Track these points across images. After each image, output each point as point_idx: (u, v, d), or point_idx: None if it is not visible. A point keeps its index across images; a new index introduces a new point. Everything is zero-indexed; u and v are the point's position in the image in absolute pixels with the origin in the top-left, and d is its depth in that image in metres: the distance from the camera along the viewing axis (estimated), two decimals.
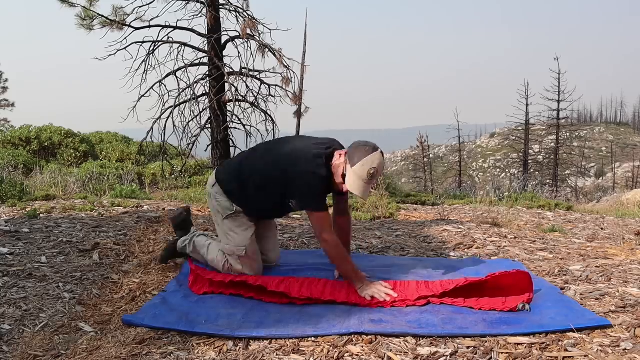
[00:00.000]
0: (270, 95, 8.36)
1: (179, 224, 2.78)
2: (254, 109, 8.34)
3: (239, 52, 8.17)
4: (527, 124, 26.41)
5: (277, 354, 1.73)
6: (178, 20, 8.03)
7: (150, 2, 7.89)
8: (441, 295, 2.15)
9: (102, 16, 7.80)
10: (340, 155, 2.22)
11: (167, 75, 7.99)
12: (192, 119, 8.10)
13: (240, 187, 2.41)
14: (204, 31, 8.08)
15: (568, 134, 27.79)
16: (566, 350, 1.69)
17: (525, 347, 1.72)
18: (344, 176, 2.19)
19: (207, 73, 8.14)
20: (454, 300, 2.12)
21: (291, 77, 8.27)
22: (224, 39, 8.14)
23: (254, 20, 7.99)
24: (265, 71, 8.18)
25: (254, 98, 8.25)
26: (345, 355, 1.71)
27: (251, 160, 2.46)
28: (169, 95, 8.07)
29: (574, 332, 1.79)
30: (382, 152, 2.21)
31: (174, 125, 8.07)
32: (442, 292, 2.15)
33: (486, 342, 1.76)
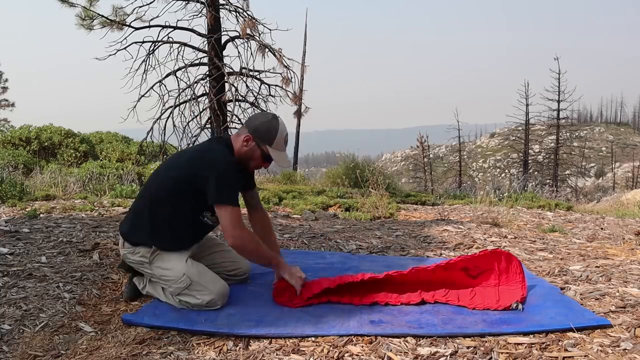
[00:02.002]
0: (270, 95, 8.37)
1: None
2: (254, 109, 8.34)
3: (239, 52, 8.18)
4: (527, 124, 26.42)
5: (277, 354, 1.73)
6: (178, 20, 8.05)
7: (150, 2, 7.90)
8: (434, 269, 2.17)
9: (102, 16, 7.81)
10: (247, 140, 2.15)
11: (167, 75, 8.00)
12: (192, 119, 8.11)
13: (149, 226, 2.17)
14: (204, 31, 8.09)
15: (568, 134, 27.81)
16: (566, 350, 1.69)
17: (525, 347, 1.72)
18: (259, 158, 2.18)
19: (207, 73, 8.14)
20: (447, 298, 2.13)
21: (291, 77, 8.28)
22: (224, 39, 8.14)
23: (254, 20, 7.99)
24: (265, 71, 8.19)
25: (254, 98, 8.25)
26: (345, 355, 1.71)
27: (150, 191, 2.22)
28: (169, 95, 8.08)
29: (574, 332, 1.79)
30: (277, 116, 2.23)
31: (174, 125, 8.07)
32: (434, 267, 2.18)
33: (486, 342, 1.76)
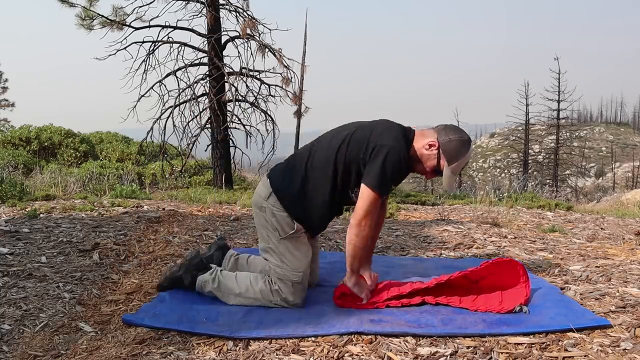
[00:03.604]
0: (270, 95, 8.38)
1: (194, 265, 2.32)
2: (254, 109, 8.34)
3: (239, 52, 8.19)
4: (527, 124, 26.41)
5: (277, 354, 1.73)
6: (178, 20, 8.05)
7: (150, 2, 7.90)
8: (435, 287, 2.15)
9: (102, 16, 7.82)
10: (431, 146, 2.05)
11: (167, 75, 8.00)
12: (192, 119, 8.11)
13: (306, 192, 2.11)
14: (204, 31, 8.09)
15: (568, 134, 27.80)
16: (566, 350, 1.69)
17: (525, 347, 1.72)
18: (430, 167, 2.08)
19: (207, 73, 8.15)
20: (449, 299, 2.12)
21: (291, 77, 8.29)
22: (224, 39, 8.15)
23: (254, 20, 8.00)
24: (265, 71, 8.19)
25: (254, 98, 8.26)
26: (345, 355, 1.71)
27: (322, 153, 2.12)
28: (169, 95, 8.09)
29: (573, 332, 1.80)
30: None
31: (174, 125, 8.08)
32: (436, 283, 2.16)
33: (486, 342, 1.76)
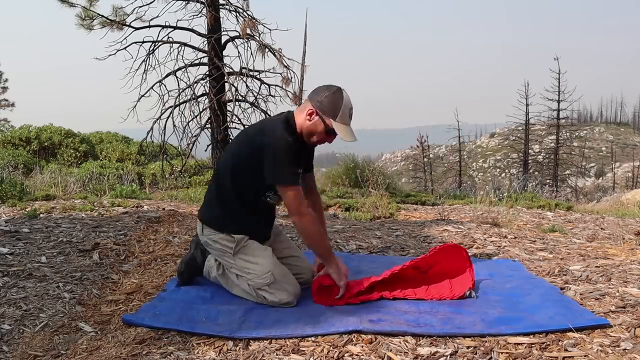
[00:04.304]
0: (270, 95, 8.37)
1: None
2: (254, 109, 8.34)
3: (239, 52, 8.17)
4: (527, 124, 26.41)
5: (277, 354, 1.73)
6: (178, 20, 8.04)
7: (150, 2, 7.90)
8: (391, 279, 2.22)
9: (102, 16, 7.81)
10: (310, 114, 2.12)
11: (167, 75, 8.00)
12: (192, 119, 8.10)
13: (224, 208, 2.22)
14: (204, 31, 8.08)
15: (568, 134, 27.78)
16: (566, 350, 1.69)
17: (525, 347, 1.71)
18: (322, 132, 2.13)
19: (207, 73, 8.14)
20: (405, 293, 2.18)
21: (291, 77, 8.27)
22: (224, 39, 8.14)
23: (254, 20, 8.00)
24: (265, 71, 8.18)
25: (254, 98, 8.25)
26: (345, 355, 1.71)
27: (222, 169, 2.26)
28: (169, 95, 8.07)
29: (573, 331, 1.79)
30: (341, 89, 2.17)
31: (174, 125, 8.07)
32: (391, 273, 2.21)
33: (486, 342, 1.76)
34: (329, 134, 2.16)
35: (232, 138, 2.44)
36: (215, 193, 2.27)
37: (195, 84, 8.05)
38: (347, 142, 2.13)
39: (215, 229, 2.22)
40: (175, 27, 8.01)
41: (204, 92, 8.18)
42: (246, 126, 8.25)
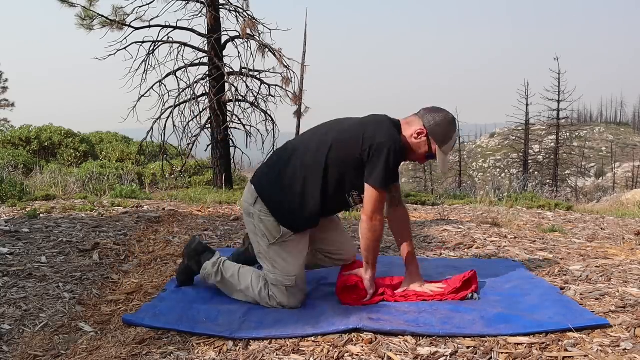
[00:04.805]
0: (270, 95, 8.38)
1: (193, 250, 2.35)
2: (254, 109, 8.35)
3: (239, 52, 8.19)
4: (527, 124, 26.42)
5: (277, 354, 1.73)
6: (178, 20, 8.06)
7: (150, 2, 7.91)
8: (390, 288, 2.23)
9: (102, 16, 7.82)
10: (419, 134, 2.05)
11: (167, 75, 8.01)
12: (192, 119, 8.12)
13: (292, 195, 2.07)
14: (204, 31, 8.09)
15: (568, 134, 27.80)
16: (566, 350, 1.69)
17: (525, 347, 1.71)
18: (423, 154, 2.09)
19: (207, 73, 8.15)
20: (406, 297, 2.18)
21: (291, 77, 8.29)
22: (224, 39, 8.15)
23: (254, 20, 8.00)
24: (265, 71, 8.20)
25: (254, 98, 8.26)
26: (345, 355, 1.71)
27: (308, 153, 2.09)
28: (169, 95, 8.09)
29: (573, 331, 1.79)
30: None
31: (174, 125, 8.08)
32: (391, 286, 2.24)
33: (486, 342, 1.76)
34: (427, 158, 2.13)
35: (321, 125, 2.22)
36: (295, 173, 2.07)
37: (195, 84, 8.07)
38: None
39: (270, 210, 2.09)
40: (175, 27, 8.02)
41: (204, 92, 8.18)
42: (246, 125, 8.27)
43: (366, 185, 2.01)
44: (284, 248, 2.10)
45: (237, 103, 8.03)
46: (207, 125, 8.27)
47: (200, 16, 8.01)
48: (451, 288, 2.20)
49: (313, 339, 1.83)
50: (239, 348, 1.78)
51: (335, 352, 1.72)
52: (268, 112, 8.40)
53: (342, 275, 2.26)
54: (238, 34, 8.06)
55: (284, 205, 2.09)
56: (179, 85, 8.04)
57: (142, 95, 7.91)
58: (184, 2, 8.06)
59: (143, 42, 7.91)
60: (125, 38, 7.83)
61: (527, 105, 26.48)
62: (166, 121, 8.05)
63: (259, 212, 2.11)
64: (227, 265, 2.24)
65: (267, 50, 8.05)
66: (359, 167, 2.02)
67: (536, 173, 24.91)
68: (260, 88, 8.28)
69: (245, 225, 2.25)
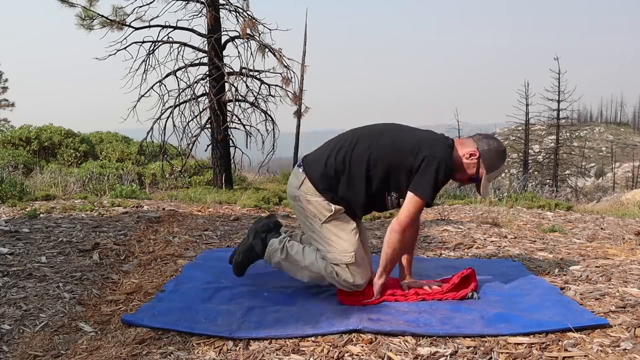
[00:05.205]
0: (270, 95, 8.38)
1: (262, 227, 2.36)
2: (254, 109, 8.35)
3: (239, 52, 8.19)
4: (527, 124, 26.40)
5: (277, 354, 1.73)
6: (178, 20, 8.06)
7: (150, 2, 7.91)
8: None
9: (102, 16, 7.82)
10: (472, 155, 2.10)
11: (167, 75, 8.01)
12: (192, 119, 8.11)
13: (341, 178, 2.12)
14: (204, 31, 8.09)
15: (568, 134, 27.78)
16: (566, 350, 1.69)
17: (525, 347, 1.72)
18: (469, 176, 2.13)
19: (207, 73, 8.15)
20: (406, 297, 2.18)
21: (291, 77, 8.29)
22: (224, 39, 8.15)
23: (254, 20, 8.00)
24: (265, 71, 8.19)
25: (254, 98, 8.26)
26: (345, 355, 1.71)
27: (358, 148, 2.13)
28: (169, 95, 8.09)
29: (572, 331, 1.79)
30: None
31: (174, 125, 8.08)
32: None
33: (486, 342, 1.76)
34: (471, 181, 2.16)
35: (381, 124, 2.27)
36: (339, 161, 2.12)
37: (195, 84, 8.06)
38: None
39: (319, 190, 2.12)
40: (175, 27, 8.02)
41: (204, 92, 8.18)
42: (246, 125, 8.26)
43: (409, 194, 2.05)
44: (336, 225, 2.13)
45: (237, 103, 8.03)
46: (207, 125, 8.27)
47: (200, 16, 8.01)
48: (450, 285, 2.20)
49: (313, 339, 1.83)
50: (239, 348, 1.78)
51: (335, 352, 1.72)
52: (268, 112, 8.40)
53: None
54: (238, 34, 8.06)
55: (332, 184, 2.12)
56: (179, 85, 8.04)
57: (142, 95, 7.90)
58: (184, 2, 8.06)
59: (143, 42, 7.90)
60: (125, 38, 7.82)
61: (527, 105, 26.47)
62: (166, 121, 8.05)
63: (305, 193, 2.15)
64: (291, 243, 2.27)
65: (267, 50, 8.05)
66: (408, 172, 2.06)
67: (536, 173, 24.91)
68: (260, 88, 8.28)
69: (294, 210, 2.27)
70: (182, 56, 8.01)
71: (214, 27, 7.98)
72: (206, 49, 8.05)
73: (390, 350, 1.71)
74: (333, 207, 2.12)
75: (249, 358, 1.71)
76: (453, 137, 2.20)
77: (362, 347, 1.76)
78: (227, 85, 8.14)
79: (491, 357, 1.66)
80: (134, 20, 7.91)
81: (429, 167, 2.01)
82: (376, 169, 2.09)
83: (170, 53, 8.00)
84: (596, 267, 2.61)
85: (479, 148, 2.11)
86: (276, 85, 8.33)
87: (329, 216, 2.12)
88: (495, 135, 2.23)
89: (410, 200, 2.04)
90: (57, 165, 9.74)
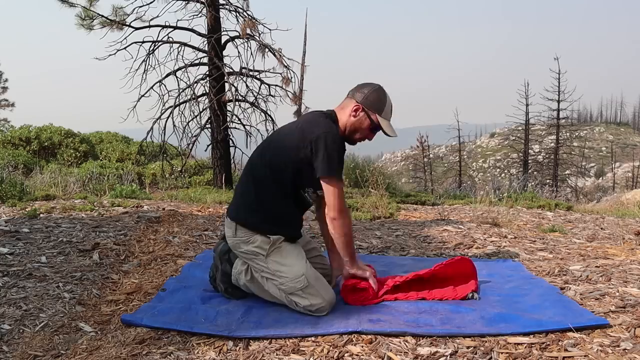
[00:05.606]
0: (270, 95, 8.38)
1: (220, 251, 2.30)
2: (254, 109, 8.35)
3: (239, 52, 8.19)
4: (527, 124, 26.41)
5: (277, 354, 1.73)
6: (178, 20, 8.06)
7: (150, 2, 7.91)
8: (393, 288, 2.20)
9: (102, 16, 7.82)
10: (356, 111, 2.14)
11: (167, 75, 8.01)
12: (192, 119, 8.12)
13: (262, 206, 2.14)
14: (204, 31, 8.09)
15: (568, 134, 27.77)
16: (566, 350, 1.69)
17: (525, 347, 1.71)
18: (367, 128, 2.16)
19: (207, 73, 8.15)
20: (407, 295, 2.18)
21: (291, 77, 8.28)
22: (224, 39, 8.15)
23: (253, 20, 8.00)
24: (265, 71, 8.19)
25: (254, 98, 8.26)
26: (345, 355, 1.71)
27: (253, 169, 2.20)
28: (169, 95, 8.09)
29: (572, 331, 1.79)
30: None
31: (174, 125, 8.08)
32: (394, 284, 2.20)
33: (486, 342, 1.76)
34: (373, 131, 2.19)
35: (264, 140, 2.38)
36: (251, 189, 2.17)
37: (195, 84, 8.07)
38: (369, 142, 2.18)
39: (250, 229, 2.13)
40: (175, 27, 8.02)
41: (204, 92, 8.18)
42: (246, 125, 8.28)
43: (322, 182, 2.07)
44: (280, 254, 2.12)
45: (237, 103, 8.03)
46: (207, 125, 8.27)
47: (200, 16, 8.01)
48: (440, 269, 2.20)
49: (313, 338, 1.83)
50: (239, 348, 1.78)
51: (335, 352, 1.72)
52: (268, 112, 8.40)
53: (349, 279, 2.22)
54: (238, 34, 8.06)
55: (258, 217, 2.14)
56: (179, 85, 8.04)
57: (142, 95, 7.91)
58: (184, 2, 8.06)
59: (143, 42, 7.90)
60: (125, 38, 7.83)
61: (527, 105, 26.48)
62: (166, 121, 8.06)
63: (242, 237, 2.14)
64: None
65: (267, 50, 8.05)
66: (307, 163, 2.07)
67: (536, 173, 24.91)
68: (260, 88, 8.28)
69: (240, 259, 2.23)
70: (182, 56, 8.01)
71: (214, 27, 7.98)
72: (206, 49, 8.06)
73: (390, 350, 1.71)
74: (271, 237, 2.11)
75: (249, 358, 1.71)
76: (332, 108, 2.23)
77: (362, 347, 1.75)
78: (227, 85, 8.14)
79: (491, 357, 1.66)
80: (134, 20, 7.91)
81: (319, 146, 2.03)
82: (281, 177, 2.11)
83: (170, 53, 8.01)
84: (596, 267, 2.61)
85: (358, 100, 2.15)
86: (276, 85, 8.34)
87: (269, 248, 2.10)
88: (380, 90, 2.18)
89: (326, 186, 2.06)
90: (57, 165, 9.74)
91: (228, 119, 8.08)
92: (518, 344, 1.74)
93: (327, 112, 2.21)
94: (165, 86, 8.04)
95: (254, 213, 2.15)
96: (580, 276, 2.46)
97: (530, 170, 24.71)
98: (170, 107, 8.04)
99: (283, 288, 2.07)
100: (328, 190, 2.07)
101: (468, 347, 1.72)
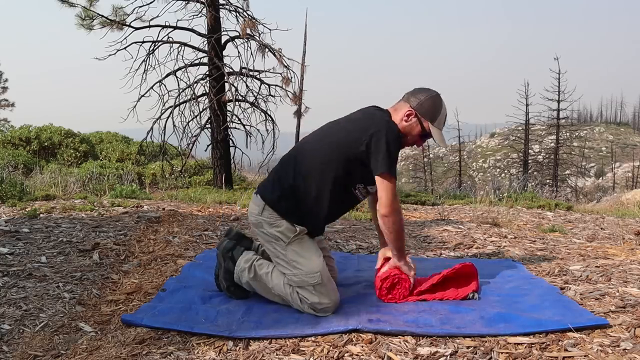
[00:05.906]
0: (270, 95, 8.39)
1: (224, 248, 2.28)
2: (254, 109, 8.35)
3: (239, 52, 8.20)
4: (527, 124, 26.41)
5: (277, 354, 1.73)
6: (178, 20, 8.06)
7: (150, 2, 7.91)
8: (418, 294, 2.20)
9: (102, 16, 7.83)
10: (409, 116, 2.10)
11: (167, 75, 8.01)
12: (192, 119, 8.13)
13: (299, 195, 2.09)
14: (204, 31, 8.10)
15: (568, 134, 27.78)
16: (566, 350, 1.69)
17: (525, 347, 1.71)
18: (418, 134, 2.12)
19: (207, 73, 8.15)
20: (423, 296, 2.18)
21: (291, 77, 8.29)
22: (224, 39, 8.15)
23: (253, 20, 8.00)
24: (265, 71, 8.20)
25: (254, 98, 8.27)
26: (345, 355, 1.71)
27: (309, 155, 2.13)
28: (169, 95, 8.10)
29: (572, 331, 1.79)
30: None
31: (174, 125, 8.09)
32: (419, 291, 2.20)
33: (486, 342, 1.76)
34: (424, 138, 2.15)
35: (318, 130, 2.26)
36: (292, 176, 2.10)
37: (195, 84, 8.07)
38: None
39: (279, 214, 2.09)
40: (175, 27, 8.02)
41: (204, 92, 8.19)
42: (246, 125, 8.28)
43: (377, 178, 2.01)
44: (301, 245, 2.09)
45: (237, 103, 8.03)
46: (207, 125, 8.28)
47: (200, 16, 8.01)
48: (440, 276, 2.20)
49: (313, 338, 1.83)
50: (239, 348, 1.78)
51: (335, 352, 1.72)
52: (268, 112, 8.40)
53: (383, 272, 2.21)
54: (238, 34, 8.06)
55: (291, 204, 2.09)
56: (179, 85, 8.05)
57: (142, 95, 7.91)
58: (184, 2, 8.06)
59: (143, 42, 7.91)
60: (125, 38, 7.83)
61: (527, 105, 26.48)
62: (166, 121, 8.06)
63: (267, 218, 2.11)
64: (262, 262, 2.20)
65: (267, 50, 8.05)
66: (363, 159, 2.03)
67: (536, 173, 24.91)
68: (260, 88, 8.29)
69: (258, 238, 2.21)
70: (182, 56, 8.02)
71: (214, 27, 7.98)
72: (206, 49, 8.06)
73: (390, 350, 1.71)
74: (298, 228, 2.09)
75: (249, 358, 1.71)
76: (386, 108, 2.19)
77: (362, 347, 1.76)
78: (227, 85, 8.14)
79: (491, 357, 1.66)
80: (134, 20, 7.92)
81: (378, 142, 1.99)
82: (333, 172, 2.06)
83: (170, 53, 8.01)
84: (596, 267, 2.61)
85: (412, 105, 2.11)
86: (276, 85, 8.34)
87: (293, 237, 2.08)
88: (428, 90, 2.15)
89: (380, 182, 2.01)
90: (57, 165, 9.74)
91: (228, 119, 8.08)
92: (518, 344, 1.74)
93: (381, 111, 2.16)
94: (165, 86, 8.05)
95: (289, 200, 2.09)
96: (580, 276, 2.46)
97: (530, 170, 24.72)
98: (170, 107, 8.05)
99: (294, 280, 2.05)
100: (383, 187, 2.00)
101: (468, 347, 1.72)
